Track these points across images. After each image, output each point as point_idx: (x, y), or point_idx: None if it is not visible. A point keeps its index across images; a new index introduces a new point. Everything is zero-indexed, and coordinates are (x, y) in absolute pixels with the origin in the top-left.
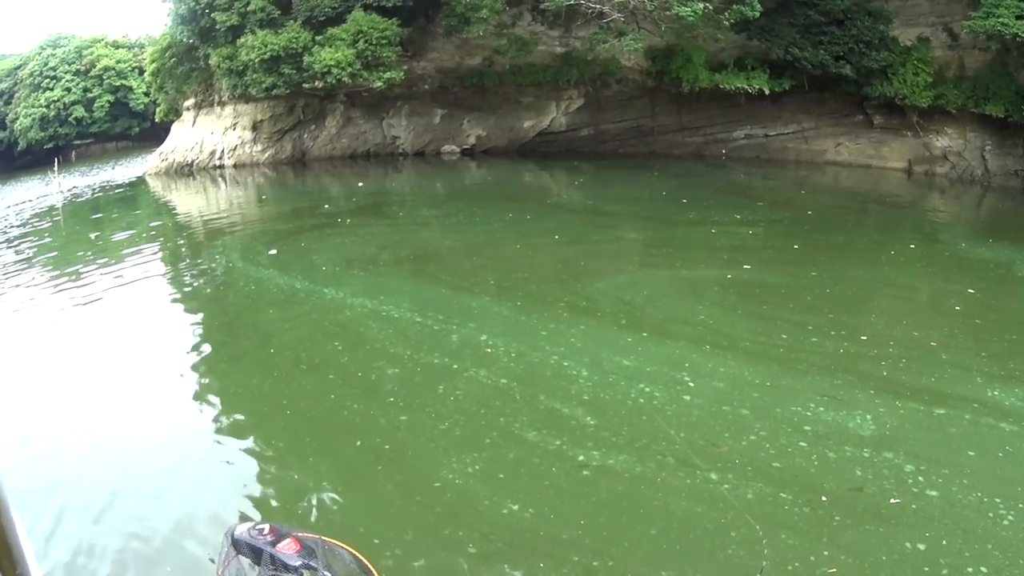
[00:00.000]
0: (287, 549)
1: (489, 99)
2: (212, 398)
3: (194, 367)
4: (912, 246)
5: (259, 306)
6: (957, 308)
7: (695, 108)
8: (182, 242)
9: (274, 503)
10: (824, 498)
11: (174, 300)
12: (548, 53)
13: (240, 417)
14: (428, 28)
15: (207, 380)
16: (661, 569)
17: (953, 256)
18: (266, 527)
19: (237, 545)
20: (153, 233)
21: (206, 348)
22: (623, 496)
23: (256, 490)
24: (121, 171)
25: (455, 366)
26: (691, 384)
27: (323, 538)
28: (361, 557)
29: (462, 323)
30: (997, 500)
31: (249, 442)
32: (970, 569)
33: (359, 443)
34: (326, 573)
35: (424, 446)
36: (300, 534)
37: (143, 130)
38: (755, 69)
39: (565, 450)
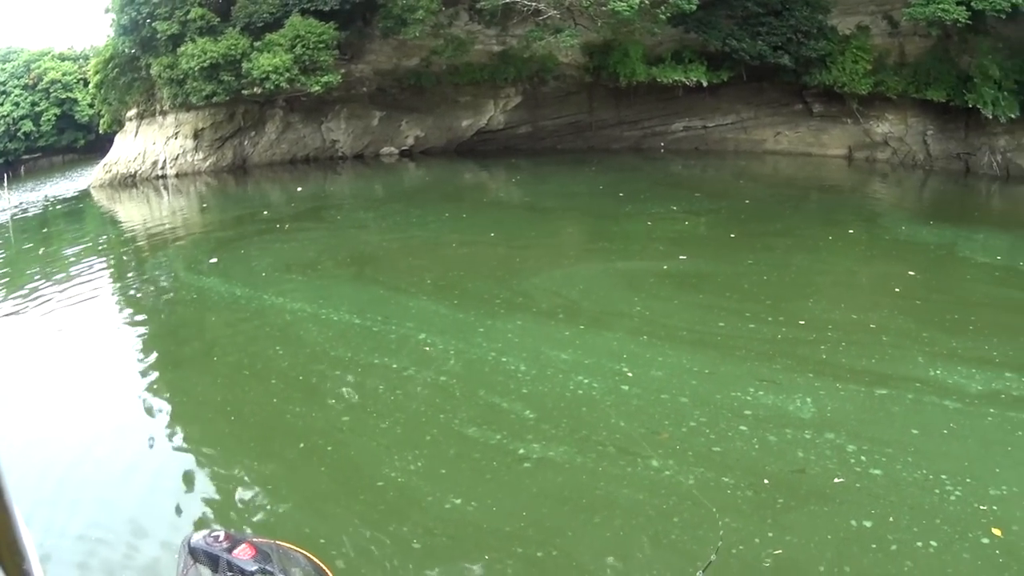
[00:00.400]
0: (243, 555)
1: (427, 99)
2: (158, 408)
3: (140, 378)
4: (851, 231)
5: (202, 314)
6: (897, 290)
7: (633, 102)
8: (125, 254)
9: (222, 509)
10: (767, 481)
11: (119, 313)
12: (485, 52)
13: (186, 426)
14: (365, 31)
15: (153, 390)
16: (605, 556)
17: (893, 240)
18: (221, 533)
19: (194, 553)
20: (97, 247)
21: (152, 359)
22: (564, 487)
23: (204, 498)
24: (67, 185)
25: (394, 366)
26: (629, 374)
27: (277, 542)
28: (316, 559)
29: (400, 323)
30: (943, 476)
31: (195, 450)
32: (919, 544)
33: (302, 445)
34: None
35: (366, 445)
36: (255, 539)
37: (88, 142)
38: (693, 61)
39: (505, 444)
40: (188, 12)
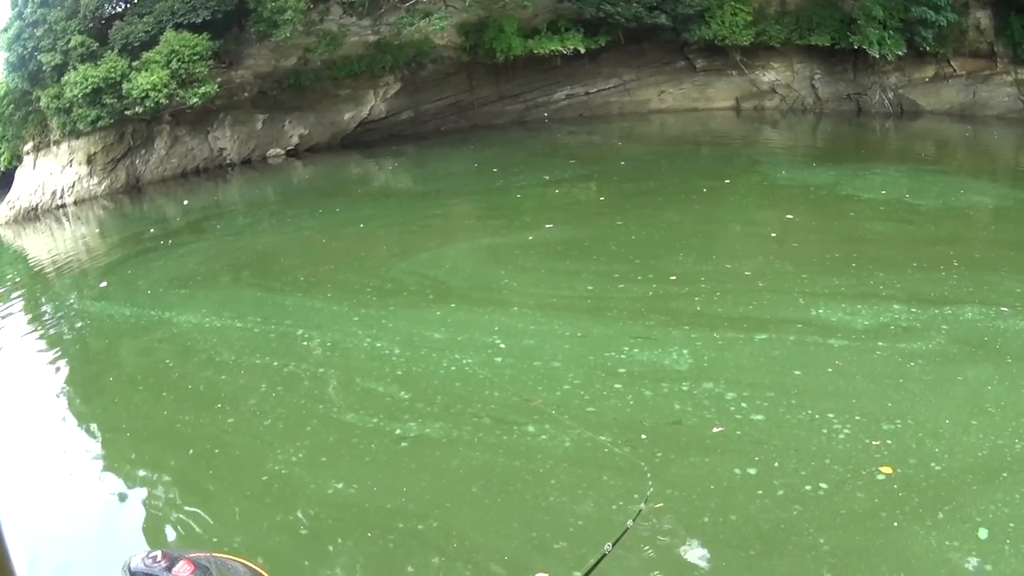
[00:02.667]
0: (182, 572)
1: (307, 97)
2: (56, 439)
3: (36, 414)
4: (727, 181)
5: (95, 339)
6: (773, 235)
7: (512, 76)
8: (23, 290)
9: (123, 527)
10: (644, 436)
11: (16, 350)
12: (361, 43)
13: (83, 452)
14: (242, 36)
15: (50, 422)
16: (485, 523)
17: (771, 185)
18: (158, 554)
19: None
20: None
21: (47, 391)
22: (441, 460)
23: (106, 519)
24: None
25: (275, 364)
26: (502, 346)
27: (213, 554)
28: (254, 567)
29: (279, 322)
30: (830, 415)
31: (93, 473)
32: (808, 487)
33: (191, 452)
34: None
35: (250, 444)
36: (192, 554)
37: None
38: (569, 30)
39: (383, 426)
40: (69, 41)
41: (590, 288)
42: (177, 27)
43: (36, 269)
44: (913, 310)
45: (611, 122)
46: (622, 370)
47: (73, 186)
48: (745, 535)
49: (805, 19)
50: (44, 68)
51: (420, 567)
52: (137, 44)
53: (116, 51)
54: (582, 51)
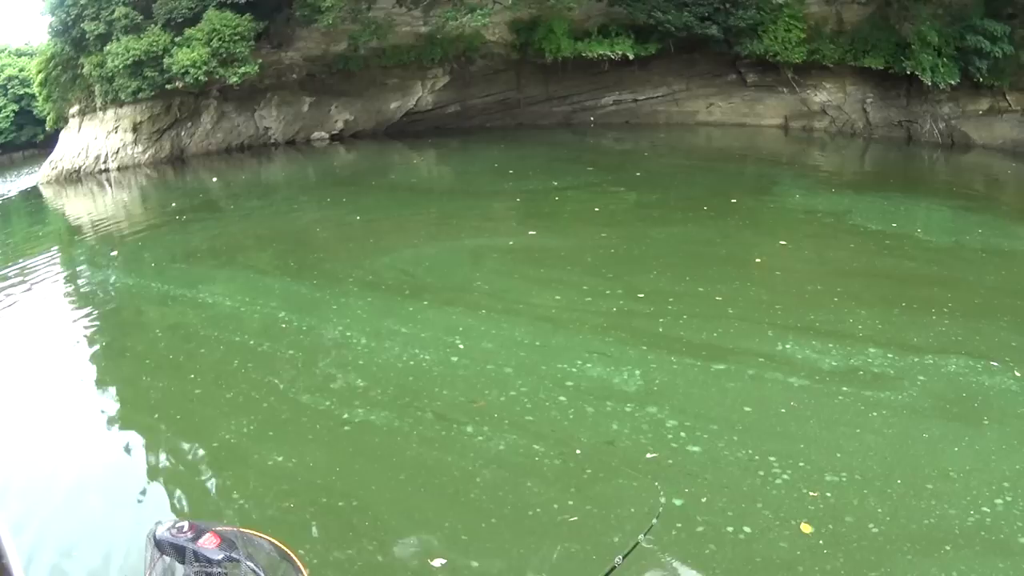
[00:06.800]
0: (208, 544)
1: (355, 83)
2: (36, 391)
3: (26, 369)
4: (733, 201)
5: (96, 305)
6: (757, 261)
7: (562, 78)
8: (42, 253)
9: (80, 485)
10: (578, 451)
11: (21, 309)
12: (411, 34)
13: (57, 406)
14: (292, 18)
15: (35, 375)
16: (403, 508)
17: (779, 208)
18: (185, 524)
19: (160, 546)
20: (14, 248)
21: (40, 346)
22: (379, 447)
23: (57, 469)
24: (18, 183)
25: (251, 342)
26: (461, 347)
27: (240, 529)
28: (280, 544)
29: (265, 303)
30: (771, 458)
31: (61, 427)
32: (730, 528)
33: (156, 415)
34: (248, 563)
35: (209, 413)
36: (218, 528)
37: (47, 137)
38: (619, 35)
39: (332, 409)
40: (113, 12)
41: (557, 298)
42: (220, 6)
43: (61, 230)
44: (889, 355)
45: (657, 131)
46: (570, 383)
47: (117, 152)
48: (647, 564)
49: (860, 40)
50: (87, 36)
51: (327, 538)
52: (180, 20)
53: (159, 25)
54: (631, 57)
